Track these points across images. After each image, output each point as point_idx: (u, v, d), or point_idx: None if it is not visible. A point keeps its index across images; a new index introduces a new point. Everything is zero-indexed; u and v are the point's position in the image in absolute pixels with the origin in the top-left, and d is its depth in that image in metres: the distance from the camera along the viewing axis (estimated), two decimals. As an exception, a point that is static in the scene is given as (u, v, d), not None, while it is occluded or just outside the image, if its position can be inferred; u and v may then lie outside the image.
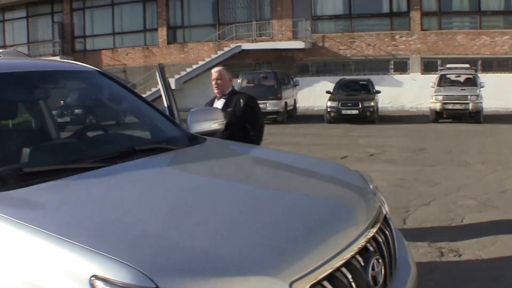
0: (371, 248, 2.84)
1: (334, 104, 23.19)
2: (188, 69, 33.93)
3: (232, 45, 32.88)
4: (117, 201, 2.73)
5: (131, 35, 37.50)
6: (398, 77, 30.76)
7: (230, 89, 6.76)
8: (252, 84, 25.39)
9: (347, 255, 2.58)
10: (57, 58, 36.70)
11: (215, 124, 4.53)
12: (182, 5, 36.07)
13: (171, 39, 36.36)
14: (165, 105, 4.79)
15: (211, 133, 4.48)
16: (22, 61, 4.27)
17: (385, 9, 31.47)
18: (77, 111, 25.56)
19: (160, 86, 4.96)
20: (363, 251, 2.74)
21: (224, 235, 2.41)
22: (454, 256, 6.17)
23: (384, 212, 3.31)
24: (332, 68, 32.02)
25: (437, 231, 7.16)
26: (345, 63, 32.01)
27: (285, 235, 2.53)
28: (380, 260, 2.79)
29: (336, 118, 23.08)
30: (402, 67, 31.21)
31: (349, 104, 22.98)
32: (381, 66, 31.31)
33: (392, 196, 8.85)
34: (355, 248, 2.66)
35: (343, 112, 22.94)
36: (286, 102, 25.10)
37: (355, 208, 3.11)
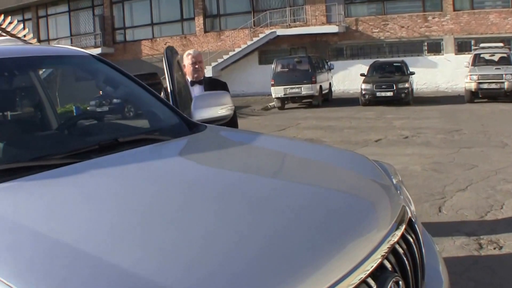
0: (388, 266, 2.25)
1: (369, 86, 23.38)
2: (225, 56, 34.43)
3: (267, 32, 33.31)
4: (57, 214, 2.12)
5: (169, 25, 38.15)
6: (432, 58, 30.75)
7: (204, 74, 6.56)
8: (287, 69, 25.77)
9: (355, 279, 1.99)
10: (99, 50, 37.58)
11: (223, 109, 4.10)
12: (218, -6, 36.67)
13: (208, 28, 36.90)
14: (169, 90, 4.39)
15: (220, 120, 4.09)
16: (10, 47, 3.72)
17: (417, -10, 31.41)
18: (115, 100, 26.26)
19: (165, 70, 4.51)
20: (377, 270, 2.14)
21: (194, 261, 1.81)
22: (494, 248, 5.73)
23: (409, 214, 2.68)
24: (366, 51, 32.20)
25: (475, 219, 6.79)
26: (379, 45, 32.08)
27: (283, 256, 1.92)
28: (400, 282, 2.20)
29: (371, 100, 23.27)
30: (435, 48, 31.15)
31: (383, 86, 23.06)
32: (415, 47, 31.32)
33: (427, 181, 8.90)
34: (368, 267, 2.06)
35: (378, 94, 23.09)
36: (321, 86, 25.40)
37: (375, 209, 2.57)
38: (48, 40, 42.25)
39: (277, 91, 25.16)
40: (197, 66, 6.20)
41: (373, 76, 24.37)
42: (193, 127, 3.56)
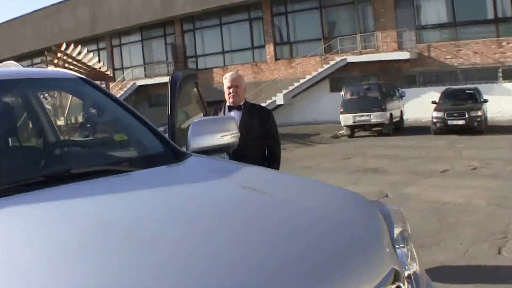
0: None
1: (440, 114, 22.63)
2: (296, 84, 34.28)
3: (338, 59, 32.96)
4: None
5: (239, 53, 38.33)
6: (508, 85, 29.45)
7: (243, 99, 6.02)
8: (356, 97, 25.34)
9: None
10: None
11: (226, 137, 3.68)
12: (287, 21, 36.53)
13: (279, 55, 36.85)
14: (168, 114, 4.28)
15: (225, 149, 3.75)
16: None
17: (490, 15, 30.28)
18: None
19: (168, 96, 4.42)
20: None
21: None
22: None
23: (404, 278, 2.27)
24: (439, 78, 31.23)
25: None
26: (452, 72, 31.05)
27: None
28: None
29: (442, 129, 22.47)
30: (511, 74, 29.97)
31: (455, 114, 22.23)
32: (489, 74, 30.06)
33: (489, 217, 8.34)
34: None
35: (449, 122, 22.28)
36: (391, 114, 24.82)
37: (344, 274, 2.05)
38: (122, 68, 43.12)
39: (346, 119, 24.77)
40: (232, 90, 5.85)
41: (445, 103, 23.55)
42: (176, 157, 3.23)
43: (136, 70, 42.34)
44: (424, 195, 10.31)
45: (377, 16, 32.92)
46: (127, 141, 3.75)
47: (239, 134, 3.95)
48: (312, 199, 2.73)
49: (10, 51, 48.39)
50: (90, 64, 28.78)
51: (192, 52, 40.52)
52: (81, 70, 28.92)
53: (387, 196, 10.48)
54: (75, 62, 27.71)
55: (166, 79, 38.81)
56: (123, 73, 42.35)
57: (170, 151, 3.33)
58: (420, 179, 12.12)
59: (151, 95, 41.12)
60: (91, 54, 30.12)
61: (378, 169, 14.08)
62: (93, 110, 4.59)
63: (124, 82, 41.66)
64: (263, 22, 37.07)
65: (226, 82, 5.89)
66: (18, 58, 47.44)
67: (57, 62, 26.76)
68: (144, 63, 42.69)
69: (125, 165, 3.13)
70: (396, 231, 2.60)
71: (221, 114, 5.85)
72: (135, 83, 40.72)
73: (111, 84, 40.76)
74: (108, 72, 31.58)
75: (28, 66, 39.29)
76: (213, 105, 6.22)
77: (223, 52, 38.96)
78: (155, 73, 41.28)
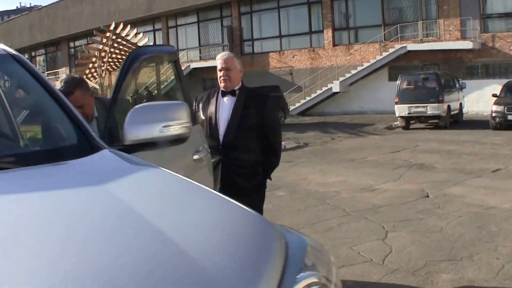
0: None
1: (499, 108, 21.09)
2: (353, 71, 33.33)
3: (397, 46, 31.75)
4: None
5: (297, 38, 37.48)
6: None
7: (240, 83, 5.28)
8: (412, 87, 24.20)
9: None
10: (226, 61, 37.51)
11: (172, 127, 3.08)
12: (347, 6, 35.43)
13: (337, 41, 35.87)
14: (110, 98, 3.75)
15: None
16: None
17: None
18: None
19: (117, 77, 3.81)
20: None
21: None
22: None
23: None
24: (502, 70, 29.74)
25: None
26: (517, 64, 29.59)
27: None
28: None
29: (502, 124, 20.94)
30: None
31: (516, 109, 20.77)
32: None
33: None
34: None
35: (509, 117, 20.70)
36: (449, 106, 23.51)
37: None
38: (177, 50, 42.74)
39: (401, 110, 23.69)
40: (222, 73, 5.12)
41: (506, 97, 21.95)
42: (87, 151, 2.67)
43: (191, 52, 41.95)
44: (469, 197, 9.35)
45: (440, 3, 31.45)
46: (41, 131, 3.24)
47: (191, 124, 3.29)
48: (186, 227, 2.00)
49: (65, 30, 48.77)
50: (140, 44, 28.39)
51: (249, 35, 39.88)
52: (130, 50, 28.62)
53: (427, 196, 9.55)
54: (124, 42, 27.39)
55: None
56: (178, 55, 41.98)
57: (84, 144, 2.77)
58: (468, 178, 11.15)
59: (205, 78, 40.68)
60: (141, 35, 29.82)
61: (426, 165, 13.17)
62: (18, 92, 3.92)
63: (182, 62, 41.34)
64: (322, 6, 36.03)
65: (218, 64, 5.18)
66: (74, 37, 47.81)
67: (106, 42, 26.47)
68: (200, 45, 42.26)
69: (7, 161, 2.51)
70: (304, 283, 1.81)
71: (213, 101, 5.21)
72: (189, 65, 40.31)
73: (165, 66, 40.59)
74: (158, 54, 31.20)
75: (83, 45, 39.43)
76: (209, 91, 5.57)
77: (280, 36, 38.18)
78: (210, 56, 40.77)
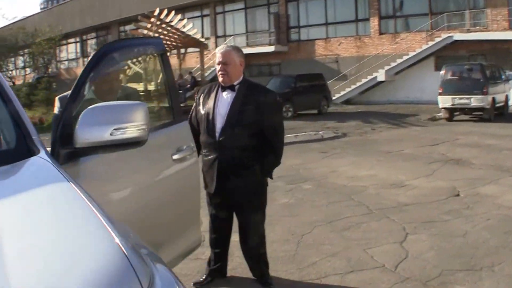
0: None
1: (546, 102, 20.72)
2: (399, 60, 32.89)
3: (444, 36, 31.11)
4: None
5: (343, 25, 37.09)
6: None
7: (240, 77, 5.10)
8: (456, 77, 23.67)
9: None
10: (272, 48, 37.48)
11: (129, 130, 2.90)
12: (394, -6, 34.94)
13: (383, 29, 35.39)
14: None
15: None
16: None
17: None
18: None
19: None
20: None
21: None
22: None
23: None
24: (552, 61, 28.93)
25: None
26: None
27: None
28: None
29: None
30: None
31: None
32: None
33: None
34: None
35: None
36: (493, 98, 22.88)
37: None
38: (224, 36, 42.80)
39: (445, 101, 23.20)
40: (220, 68, 5.02)
41: (553, 90, 21.50)
42: (24, 155, 2.53)
43: (238, 39, 41.87)
44: (501, 197, 8.91)
45: (488, -9, 30.73)
46: None
47: (148, 126, 3.04)
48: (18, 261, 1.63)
49: (117, 14, 49.12)
50: (184, 30, 28.47)
51: (295, 22, 39.60)
52: (175, 36, 28.75)
53: (457, 195, 9.16)
54: (168, 28, 27.48)
55: (268, 49, 38.59)
56: (225, 41, 42.00)
57: (22, 148, 2.63)
58: (505, 176, 10.76)
59: (252, 65, 40.62)
60: (184, 20, 29.83)
61: (463, 160, 12.85)
62: None
63: (226, 50, 41.31)
64: (368, -6, 35.58)
65: (216, 58, 5.09)
66: (125, 22, 48.15)
67: (151, 27, 26.63)
68: (247, 32, 42.18)
69: None
70: None
71: (212, 95, 5.12)
72: (238, 51, 40.21)
73: (212, 52, 40.65)
74: (202, 40, 31.18)
75: (128, 30, 39.59)
76: (207, 84, 5.50)
77: (326, 24, 37.83)
78: (257, 43, 40.73)
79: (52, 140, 3.25)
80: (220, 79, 5.05)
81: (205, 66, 39.07)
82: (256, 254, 5.40)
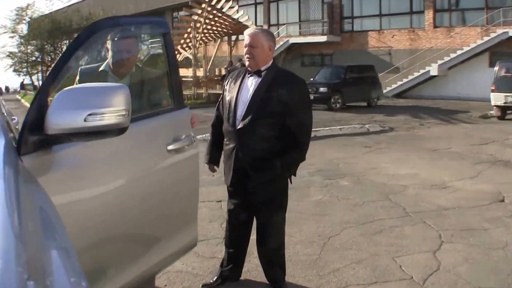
0: None
1: None
2: (452, 55, 32.23)
3: (499, 31, 30.36)
4: None
5: (397, 17, 36.52)
6: None
7: (269, 63, 4.79)
8: (510, 74, 23.07)
9: None
10: (325, 37, 37.19)
11: (110, 115, 2.63)
12: (449, -13, 34.20)
13: (438, 22, 34.71)
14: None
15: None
16: None
17: None
18: (322, 89, 25.89)
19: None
20: None
21: None
22: None
23: None
24: None
25: None
26: None
27: None
28: None
29: None
30: None
31: None
32: None
33: None
34: None
35: None
36: (547, 98, 22.27)
37: None
38: (277, 24, 42.59)
39: (497, 98, 22.53)
40: (246, 51, 4.73)
41: None
42: None
43: (290, 27, 41.65)
44: None
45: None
46: None
47: (128, 112, 2.74)
48: None
49: (170, 0, 49.32)
50: (235, 17, 28.39)
51: (349, 12, 39.17)
52: (226, 23, 28.71)
53: (502, 200, 8.59)
54: (219, 14, 27.43)
55: (320, 38, 38.30)
56: (277, 29, 41.82)
57: None
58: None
59: (304, 54, 40.45)
60: (235, 7, 29.76)
61: (510, 162, 12.38)
62: None
63: (278, 38, 41.13)
64: (423, -14, 34.90)
65: (244, 40, 4.79)
66: (178, 7, 48.26)
67: (201, 13, 26.64)
68: (300, 21, 41.88)
69: None
70: None
71: (239, 80, 4.84)
72: (288, 40, 40.07)
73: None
74: (253, 27, 31.05)
75: (182, 16, 39.59)
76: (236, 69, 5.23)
77: (380, 15, 37.32)
78: (309, 32, 40.44)
79: (22, 124, 2.87)
80: (246, 63, 4.77)
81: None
82: (271, 257, 5.06)
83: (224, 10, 27.80)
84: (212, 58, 33.87)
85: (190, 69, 30.93)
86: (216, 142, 5.08)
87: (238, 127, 4.69)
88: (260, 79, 4.73)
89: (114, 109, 2.64)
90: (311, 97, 25.82)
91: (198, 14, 27.17)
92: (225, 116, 4.87)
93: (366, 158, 12.65)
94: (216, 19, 28.10)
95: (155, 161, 3.78)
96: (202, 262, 5.84)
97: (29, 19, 52.85)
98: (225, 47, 35.32)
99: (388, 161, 12.26)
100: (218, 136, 5.03)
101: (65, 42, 52.46)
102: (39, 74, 54.45)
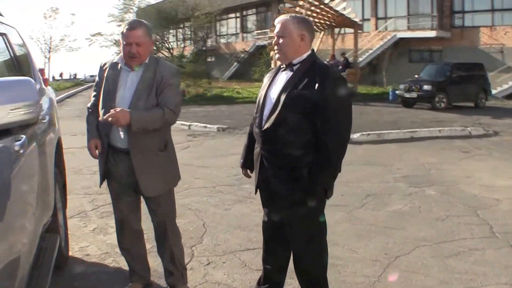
0: None
1: None
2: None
3: None
4: None
5: (510, 13, 34.56)
6: None
7: (304, 55, 4.05)
8: None
9: None
10: (434, 32, 35.74)
11: (22, 110, 2.47)
12: None
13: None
14: None
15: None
16: None
17: None
18: (426, 87, 24.72)
19: None
20: None
21: None
22: None
23: None
24: None
25: None
26: None
27: None
28: None
29: None
30: None
31: None
32: None
33: None
34: None
35: None
36: None
37: None
38: (385, 18, 41.28)
39: None
40: (274, 41, 4.08)
41: None
42: None
43: (398, 21, 40.23)
44: None
45: None
46: None
47: (38, 108, 2.62)
48: None
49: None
50: (337, 9, 27.53)
51: (459, 7, 37.40)
52: (329, 15, 27.88)
53: None
54: (322, 6, 26.65)
55: (429, 33, 36.80)
56: (385, 23, 40.52)
57: None
58: None
59: (411, 49, 39.02)
60: (344, 3, 28.79)
61: None
62: None
63: (385, 33, 39.88)
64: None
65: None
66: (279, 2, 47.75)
67: (303, 5, 25.92)
68: (408, 15, 40.31)
69: None
70: None
71: (271, 77, 4.21)
72: (395, 35, 38.75)
73: (371, 34, 39.43)
74: (356, 20, 30.06)
75: (280, 6, 39.16)
76: None
77: (492, 10, 35.40)
78: (418, 27, 38.86)
79: None
80: (276, 56, 4.13)
81: (363, 49, 38.01)
82: (310, 282, 4.26)
83: (326, 1, 26.94)
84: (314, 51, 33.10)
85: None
86: (251, 144, 4.39)
87: (264, 128, 4.01)
88: (291, 74, 4.00)
89: (25, 104, 2.48)
90: (415, 95, 24.74)
91: (299, 6, 26.42)
92: (254, 116, 4.26)
93: (462, 165, 11.45)
94: (318, 10, 27.29)
95: (8, 165, 3.30)
96: (246, 274, 5.32)
97: (137, 9, 53.67)
98: (330, 40, 34.45)
99: (485, 169, 10.96)
100: (253, 137, 4.34)
101: (171, 32, 53.01)
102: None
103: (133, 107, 4.19)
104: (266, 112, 4.03)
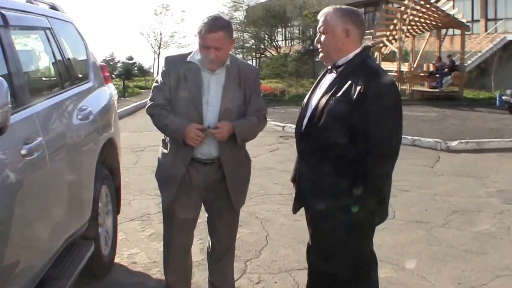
0: None
1: None
2: None
3: None
4: None
5: None
6: None
7: (350, 54, 3.39)
8: None
9: None
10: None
11: None
12: None
13: None
14: None
15: None
16: None
17: None
18: None
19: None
20: None
21: None
22: None
23: None
24: None
25: None
26: None
27: None
28: None
29: None
30: None
31: None
32: None
33: None
34: None
35: None
36: None
37: None
38: (495, 19, 40.18)
39: None
40: (316, 39, 3.49)
41: None
42: None
43: (509, 23, 39.09)
44: None
45: None
46: None
47: (8, 107, 2.48)
48: None
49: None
50: (444, 9, 27.05)
51: None
52: (435, 15, 27.44)
53: None
54: (427, 6, 26.28)
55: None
56: (495, 24, 39.52)
57: None
58: None
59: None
60: (450, 3, 28.24)
61: None
62: None
63: (494, 35, 38.85)
64: None
65: None
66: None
67: (408, 4, 25.77)
68: (518, 15, 39.08)
69: None
70: None
71: (318, 80, 3.63)
72: (505, 37, 37.59)
73: (480, 36, 38.50)
74: (463, 20, 29.40)
75: (383, 5, 38.66)
76: None
77: None
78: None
79: None
80: (320, 55, 3.50)
81: (472, 51, 37.11)
82: None
83: (432, 0, 26.57)
84: (420, 53, 32.57)
85: (395, 63, 30.08)
86: None
87: (301, 136, 3.53)
88: (333, 77, 3.42)
89: None
90: (502, 100, 23.54)
91: (404, 5, 26.28)
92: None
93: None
94: (424, 10, 26.90)
95: (12, 169, 3.26)
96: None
97: (246, 7, 54.46)
98: (437, 41, 33.92)
99: None
100: None
101: (279, 30, 53.49)
102: (254, 60, 55.86)
103: (222, 115, 3.82)
104: (305, 121, 3.49)
